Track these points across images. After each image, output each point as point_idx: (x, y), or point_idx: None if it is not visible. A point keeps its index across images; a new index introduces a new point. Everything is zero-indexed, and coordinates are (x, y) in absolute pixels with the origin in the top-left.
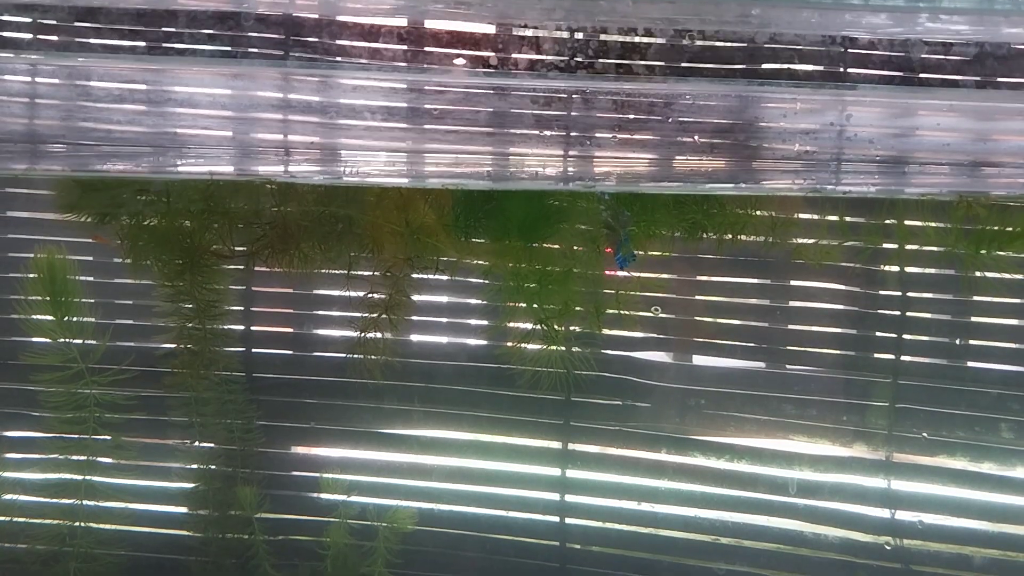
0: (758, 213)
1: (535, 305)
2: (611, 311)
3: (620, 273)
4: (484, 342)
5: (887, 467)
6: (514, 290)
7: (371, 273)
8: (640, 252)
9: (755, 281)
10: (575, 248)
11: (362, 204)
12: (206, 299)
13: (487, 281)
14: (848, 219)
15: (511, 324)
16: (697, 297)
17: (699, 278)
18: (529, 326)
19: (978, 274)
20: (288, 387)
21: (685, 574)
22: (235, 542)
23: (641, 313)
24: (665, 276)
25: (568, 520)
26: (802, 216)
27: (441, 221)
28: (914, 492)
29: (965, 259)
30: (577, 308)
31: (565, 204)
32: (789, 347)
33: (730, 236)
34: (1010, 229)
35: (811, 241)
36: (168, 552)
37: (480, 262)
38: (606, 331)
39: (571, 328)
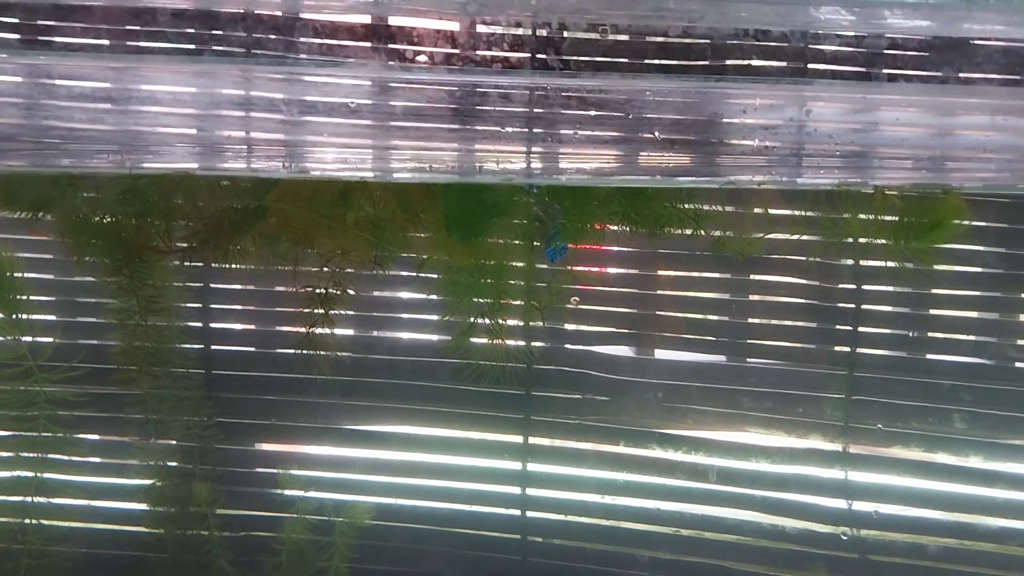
0: (686, 206)
1: (475, 300)
2: (554, 305)
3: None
4: (435, 337)
5: (843, 458)
6: (454, 285)
7: (316, 269)
8: (571, 245)
9: (716, 275)
10: (513, 242)
11: (296, 198)
12: (146, 295)
13: (426, 276)
14: (802, 213)
15: (457, 319)
16: (659, 292)
17: (659, 272)
18: (475, 320)
19: (937, 268)
20: (248, 384)
21: (646, 566)
22: (194, 538)
23: (603, 308)
24: (631, 271)
25: (529, 513)
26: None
27: (378, 215)
28: (870, 483)
29: (887, 251)
30: (516, 302)
31: (502, 199)
32: (749, 340)
33: (660, 229)
34: (925, 220)
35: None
36: (125, 549)
37: (420, 256)
38: (567, 326)
39: (531, 324)
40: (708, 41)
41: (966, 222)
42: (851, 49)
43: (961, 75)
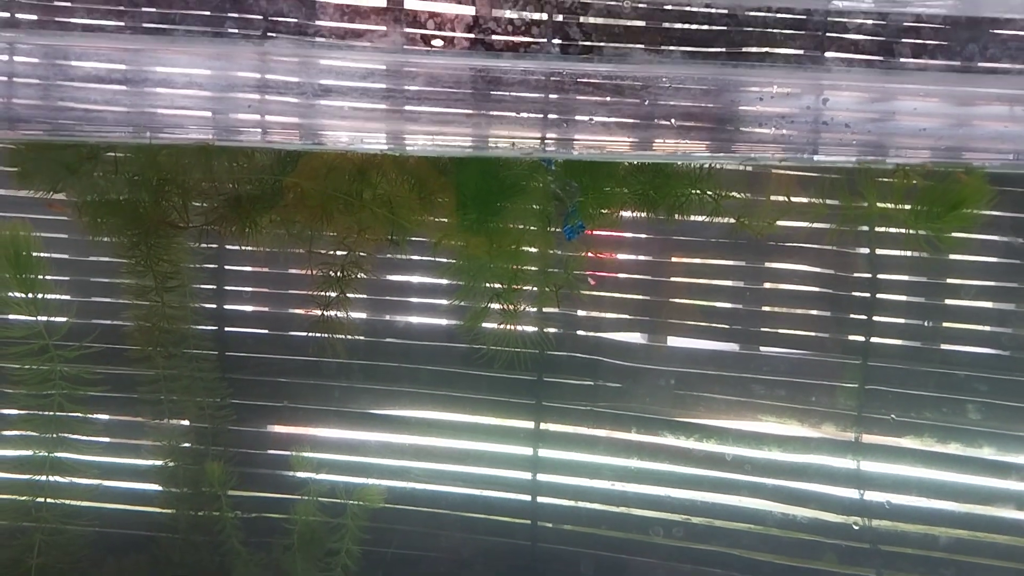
0: (709, 193)
1: (488, 284)
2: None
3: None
4: (448, 321)
5: (856, 448)
6: (467, 268)
7: (331, 252)
8: (588, 232)
9: (730, 263)
10: (528, 225)
11: (313, 174)
12: (162, 271)
13: (442, 260)
14: (820, 200)
15: (470, 303)
16: (672, 279)
17: (673, 259)
18: (488, 304)
19: (953, 257)
20: (262, 366)
21: (657, 553)
22: (206, 519)
23: (616, 295)
24: (645, 258)
25: (540, 499)
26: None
27: (395, 192)
28: (882, 473)
29: (903, 240)
30: (529, 287)
31: (518, 180)
32: (762, 329)
33: (678, 209)
34: (936, 209)
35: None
36: (138, 528)
37: (435, 238)
38: (580, 312)
39: (544, 309)
40: (728, 17)
41: (987, 203)
42: (872, 25)
43: (982, 59)
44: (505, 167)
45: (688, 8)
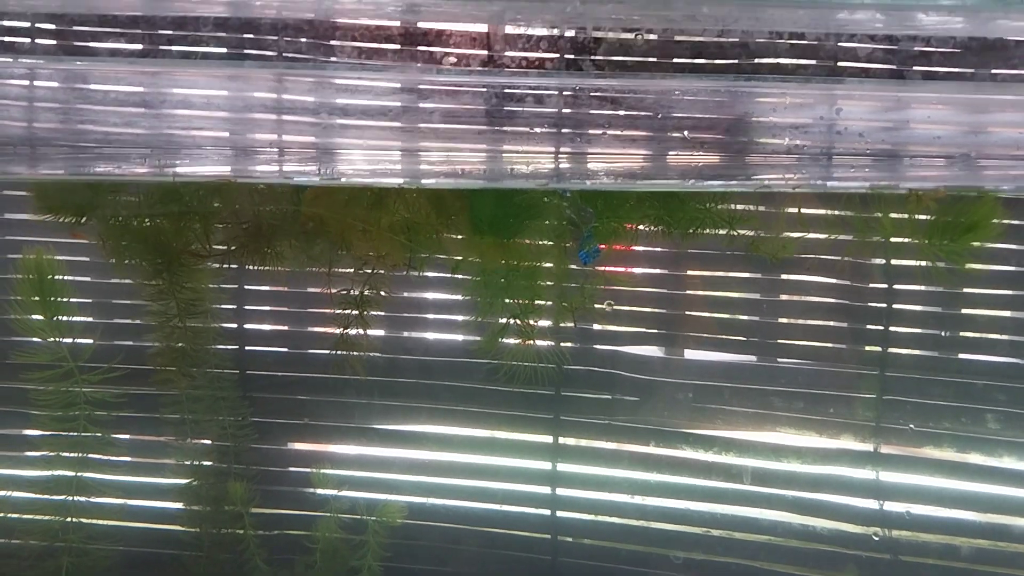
0: (718, 207)
1: (506, 301)
2: (586, 307)
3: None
4: (467, 337)
5: (875, 458)
6: (485, 286)
7: (349, 271)
8: (603, 247)
9: (746, 275)
10: (545, 243)
11: (332, 203)
12: (186, 298)
13: (459, 277)
14: (834, 213)
15: (490, 320)
16: (689, 292)
17: (689, 272)
18: (507, 321)
19: (970, 267)
20: (282, 384)
21: (676, 566)
22: (229, 537)
23: (633, 308)
24: (661, 271)
25: (559, 513)
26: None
27: (412, 219)
28: (902, 483)
29: (919, 250)
30: (547, 303)
31: (533, 201)
32: (779, 340)
33: (692, 231)
34: (961, 220)
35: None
36: (162, 547)
37: (452, 258)
38: (597, 326)
39: (561, 324)
40: (741, 47)
41: (1001, 222)
42: (883, 49)
43: (994, 75)
44: (520, 192)
45: (700, 39)
